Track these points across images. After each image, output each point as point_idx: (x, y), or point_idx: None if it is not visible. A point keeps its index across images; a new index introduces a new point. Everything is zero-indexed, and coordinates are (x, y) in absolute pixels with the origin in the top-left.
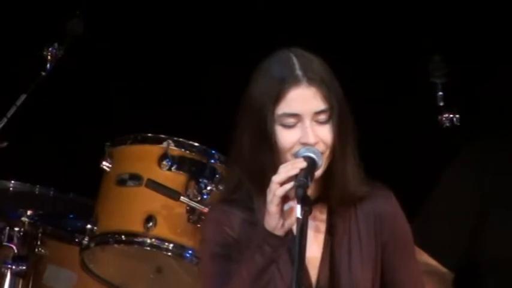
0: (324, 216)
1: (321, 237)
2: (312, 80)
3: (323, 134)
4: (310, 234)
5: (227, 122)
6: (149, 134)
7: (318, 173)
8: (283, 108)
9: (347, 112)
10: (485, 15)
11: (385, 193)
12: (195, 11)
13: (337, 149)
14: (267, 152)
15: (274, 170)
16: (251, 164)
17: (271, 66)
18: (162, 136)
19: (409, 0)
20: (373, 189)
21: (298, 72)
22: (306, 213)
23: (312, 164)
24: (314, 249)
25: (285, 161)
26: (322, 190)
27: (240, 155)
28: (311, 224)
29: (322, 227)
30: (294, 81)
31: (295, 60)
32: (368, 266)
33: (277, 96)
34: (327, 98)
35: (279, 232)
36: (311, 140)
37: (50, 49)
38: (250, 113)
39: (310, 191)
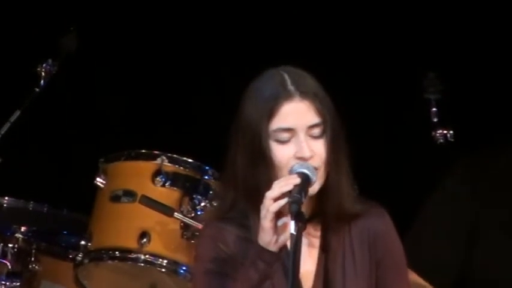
0: (318, 233)
1: (316, 252)
2: (304, 94)
3: (317, 148)
4: (305, 250)
5: (221, 138)
6: (143, 150)
7: (315, 188)
8: (277, 123)
9: (340, 127)
10: (479, 32)
11: (379, 211)
12: (189, 29)
13: (331, 164)
14: (262, 168)
15: (270, 186)
16: (246, 181)
17: (263, 84)
18: (156, 152)
19: (404, 17)
20: (368, 206)
21: (291, 87)
22: (300, 229)
23: (305, 180)
24: (308, 264)
25: (281, 177)
26: (317, 206)
27: (234, 173)
28: (305, 239)
29: (317, 243)
30: (287, 96)
31: (286, 77)
32: (362, 283)
33: (271, 112)
34: (321, 111)
35: (273, 248)
36: (306, 153)
37: (44, 65)
38: (244, 131)
39: (305, 208)
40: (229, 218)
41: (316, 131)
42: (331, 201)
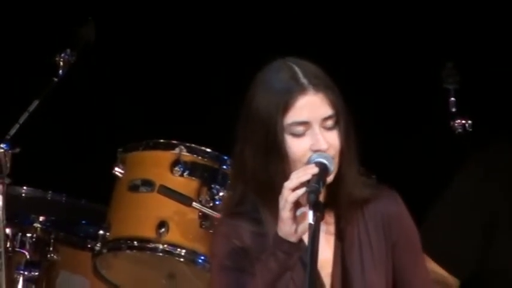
0: (333, 221)
1: (330, 243)
2: (317, 87)
3: (332, 139)
4: (323, 238)
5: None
6: (161, 140)
7: (330, 178)
8: (292, 117)
9: (349, 116)
10: (498, 22)
11: (390, 193)
12: (206, 20)
13: (344, 154)
14: (275, 161)
15: (285, 179)
16: (257, 175)
17: (272, 77)
18: (175, 142)
19: (423, 7)
20: (378, 190)
21: (303, 80)
22: (318, 218)
23: (323, 169)
24: (326, 253)
25: (295, 170)
26: (329, 195)
27: (243, 167)
28: (322, 227)
29: (330, 232)
30: (301, 90)
31: (297, 69)
32: (381, 268)
33: (285, 106)
34: (334, 103)
35: (292, 238)
36: (323, 145)
37: (62, 55)
38: (255, 125)
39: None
40: (240, 213)
41: (330, 122)
42: (342, 190)
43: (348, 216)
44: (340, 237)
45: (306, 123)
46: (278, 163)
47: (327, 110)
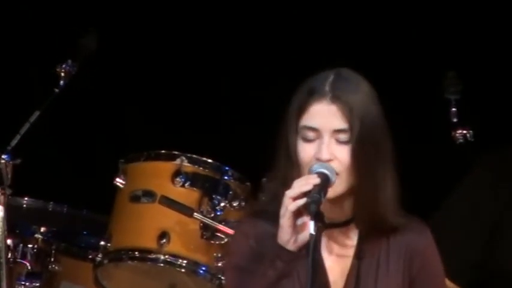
0: (352, 241)
1: (344, 261)
2: (336, 98)
3: (340, 154)
4: (333, 258)
5: (240, 138)
6: (163, 151)
7: (337, 192)
8: (304, 120)
9: (379, 138)
10: (499, 32)
11: (421, 227)
12: (212, 28)
13: (360, 173)
14: (290, 164)
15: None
16: (284, 176)
17: (311, 80)
18: (176, 153)
19: (424, 16)
20: (409, 221)
21: (326, 88)
22: (319, 229)
23: (325, 180)
24: (337, 273)
25: (304, 175)
26: (354, 214)
27: (275, 167)
28: (334, 247)
29: (348, 251)
30: (319, 96)
31: (331, 78)
32: None
33: (301, 108)
34: (348, 118)
35: (292, 247)
36: (324, 156)
37: (64, 66)
38: (283, 125)
39: (338, 214)
40: (266, 213)
41: (342, 136)
42: (364, 210)
43: (371, 238)
44: (358, 256)
45: (315, 130)
46: (291, 166)
47: (339, 123)
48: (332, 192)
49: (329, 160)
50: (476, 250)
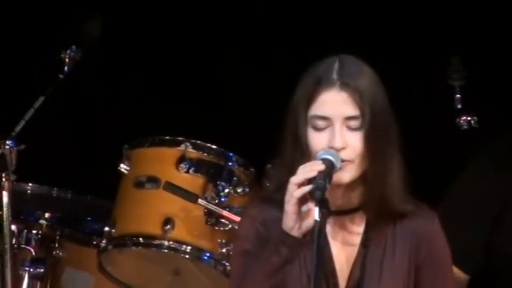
0: (359, 228)
1: (351, 249)
2: (345, 85)
3: (352, 141)
4: (339, 246)
5: (245, 124)
6: (167, 137)
7: (345, 179)
8: (314, 110)
9: (388, 122)
10: (504, 17)
11: (428, 214)
12: (215, 16)
13: (372, 159)
14: (299, 153)
15: None
16: (290, 164)
17: (315, 69)
18: (180, 139)
19: (428, 2)
20: (417, 208)
21: (334, 76)
22: (324, 215)
23: (330, 166)
24: (343, 260)
25: None
26: (362, 201)
27: (282, 155)
28: (340, 234)
29: (354, 239)
30: (327, 84)
31: (336, 65)
32: (399, 283)
33: (310, 98)
34: (359, 104)
35: (296, 233)
36: (338, 144)
37: (68, 52)
38: (290, 115)
39: (346, 201)
40: (274, 200)
41: (354, 123)
42: (373, 196)
43: (378, 225)
44: (365, 244)
45: (326, 119)
46: (300, 154)
47: (350, 110)
48: (340, 179)
49: (343, 148)
50: (481, 236)
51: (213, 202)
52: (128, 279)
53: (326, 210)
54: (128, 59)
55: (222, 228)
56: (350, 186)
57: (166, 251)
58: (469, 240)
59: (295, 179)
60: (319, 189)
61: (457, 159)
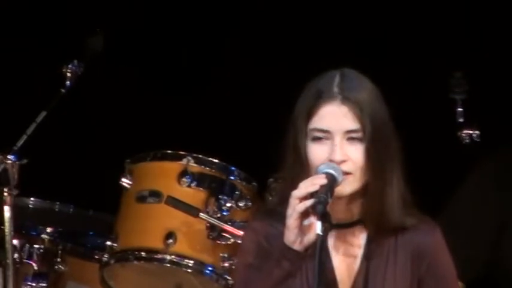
0: (360, 241)
1: (352, 262)
2: (346, 99)
3: (353, 154)
4: (340, 258)
5: (247, 138)
6: (169, 151)
7: (346, 191)
8: (315, 123)
9: (388, 136)
10: (505, 32)
11: (430, 227)
12: (217, 29)
13: (372, 172)
14: (299, 166)
15: None
16: (292, 178)
17: (316, 82)
18: (182, 153)
19: (430, 16)
20: (418, 221)
21: (335, 89)
22: (326, 229)
23: (332, 180)
24: (344, 273)
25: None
26: (362, 214)
27: (284, 169)
28: (342, 247)
29: (356, 251)
30: (328, 98)
31: (337, 78)
32: None
33: (310, 111)
34: (359, 118)
35: (298, 247)
36: (338, 157)
37: (70, 66)
38: (290, 127)
39: (347, 214)
40: (277, 213)
41: (354, 136)
42: (373, 209)
43: (379, 238)
44: (367, 256)
45: (326, 132)
46: (300, 167)
47: (351, 123)
48: (341, 192)
49: (343, 161)
50: (483, 249)
51: (215, 216)
52: None
53: (328, 224)
54: (130, 73)
55: (224, 242)
56: (351, 199)
57: (168, 265)
58: (471, 254)
59: (297, 193)
60: (321, 203)
61: (459, 173)
